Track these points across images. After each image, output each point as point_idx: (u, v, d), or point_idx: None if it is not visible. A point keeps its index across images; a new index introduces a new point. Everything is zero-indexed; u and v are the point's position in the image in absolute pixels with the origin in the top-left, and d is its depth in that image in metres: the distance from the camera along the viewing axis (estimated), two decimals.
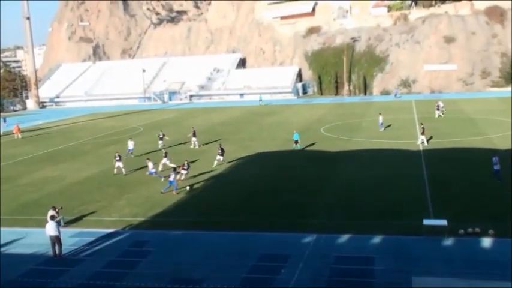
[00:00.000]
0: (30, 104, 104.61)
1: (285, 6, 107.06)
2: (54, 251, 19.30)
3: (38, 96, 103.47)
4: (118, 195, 28.23)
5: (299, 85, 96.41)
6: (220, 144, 35.85)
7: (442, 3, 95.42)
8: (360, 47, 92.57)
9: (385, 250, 18.45)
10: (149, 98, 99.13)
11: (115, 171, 33.43)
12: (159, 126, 53.95)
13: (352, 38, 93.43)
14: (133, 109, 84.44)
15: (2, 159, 41.93)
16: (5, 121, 66.91)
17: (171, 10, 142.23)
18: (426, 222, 19.69)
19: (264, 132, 49.61)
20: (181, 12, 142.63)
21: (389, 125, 47.92)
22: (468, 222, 20.21)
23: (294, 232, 20.69)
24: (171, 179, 27.46)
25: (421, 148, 36.77)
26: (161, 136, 43.48)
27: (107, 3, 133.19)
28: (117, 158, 33.40)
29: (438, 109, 54.12)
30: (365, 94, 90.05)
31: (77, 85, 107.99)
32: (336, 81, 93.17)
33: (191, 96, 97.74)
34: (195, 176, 31.12)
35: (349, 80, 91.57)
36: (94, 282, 17.00)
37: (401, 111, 60.02)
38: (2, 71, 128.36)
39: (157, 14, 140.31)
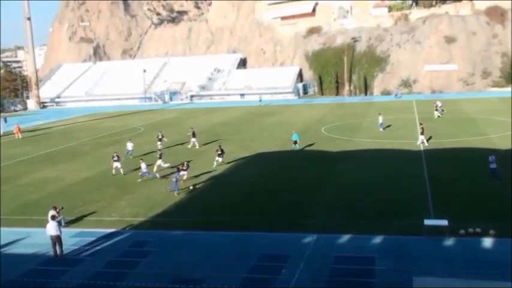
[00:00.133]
0: (31, 104, 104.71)
1: (285, 6, 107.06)
2: (55, 251, 19.29)
3: (38, 97, 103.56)
4: (118, 195, 28.23)
5: (300, 85, 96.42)
6: (219, 145, 35.79)
7: (443, 3, 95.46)
8: (361, 47, 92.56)
9: (385, 250, 18.43)
10: (150, 98, 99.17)
11: (114, 171, 33.46)
12: (160, 127, 53.96)
13: (353, 38, 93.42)
14: (134, 109, 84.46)
15: (3, 159, 41.96)
16: (5, 121, 66.98)
17: (171, 10, 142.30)
18: (427, 222, 19.67)
19: (264, 133, 49.61)
20: (181, 13, 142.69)
21: (389, 125, 47.89)
22: (469, 222, 20.18)
23: (294, 232, 20.67)
24: (174, 179, 27.47)
25: (421, 148, 36.75)
26: (160, 137, 43.46)
27: (107, 3, 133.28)
28: (115, 159, 33.44)
29: (437, 109, 54.02)
30: (366, 94, 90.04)
31: (77, 85, 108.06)
32: (337, 82, 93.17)
33: (192, 96, 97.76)
34: (196, 176, 31.14)
35: (350, 80, 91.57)
36: (94, 282, 17.00)
37: (402, 111, 60.00)
38: (2, 71, 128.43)
39: (158, 14, 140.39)
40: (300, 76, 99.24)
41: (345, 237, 19.91)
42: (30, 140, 53.58)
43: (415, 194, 25.21)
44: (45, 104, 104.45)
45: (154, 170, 32.85)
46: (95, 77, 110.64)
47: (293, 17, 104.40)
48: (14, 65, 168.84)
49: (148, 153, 40.17)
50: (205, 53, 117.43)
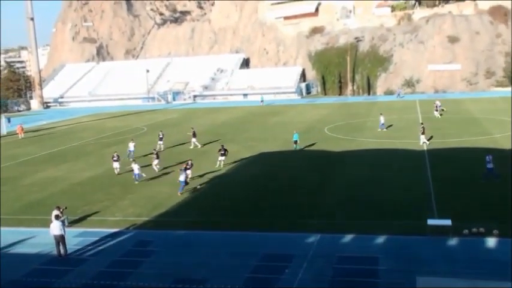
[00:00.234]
0: (34, 104, 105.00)
1: (288, 6, 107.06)
2: (59, 251, 19.32)
3: (42, 97, 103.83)
4: (121, 195, 28.25)
5: (303, 85, 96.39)
6: (222, 145, 35.76)
7: (446, 3, 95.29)
8: (364, 47, 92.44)
9: (389, 250, 18.38)
10: (153, 98, 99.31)
11: (116, 171, 33.50)
12: (163, 127, 53.97)
13: (356, 38, 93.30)
14: (137, 109, 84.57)
15: (7, 159, 42.06)
16: (9, 121, 67.13)
17: (174, 10, 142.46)
18: (430, 222, 19.62)
19: (267, 133, 49.57)
20: (184, 13, 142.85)
21: (391, 125, 47.80)
22: (472, 222, 20.12)
23: (298, 232, 20.65)
24: (181, 179, 27.44)
25: (425, 148, 36.66)
26: (161, 136, 43.48)
27: (110, 3, 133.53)
28: (115, 158, 33.46)
29: (437, 109, 53.78)
30: (369, 94, 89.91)
31: (80, 85, 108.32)
32: (340, 81, 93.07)
33: (195, 96, 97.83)
34: (201, 176, 31.16)
35: (353, 80, 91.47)
36: (98, 282, 17.01)
37: (405, 111, 59.89)
38: (6, 71, 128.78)
39: (161, 14, 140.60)
40: (303, 76, 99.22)
41: (348, 237, 19.87)
42: (33, 140, 53.70)
43: (419, 193, 25.15)
44: (49, 104, 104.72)
45: (156, 170, 32.86)
46: (98, 77, 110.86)
47: (296, 16, 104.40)
48: (18, 65, 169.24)
49: (149, 154, 40.05)
50: (208, 53, 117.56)
